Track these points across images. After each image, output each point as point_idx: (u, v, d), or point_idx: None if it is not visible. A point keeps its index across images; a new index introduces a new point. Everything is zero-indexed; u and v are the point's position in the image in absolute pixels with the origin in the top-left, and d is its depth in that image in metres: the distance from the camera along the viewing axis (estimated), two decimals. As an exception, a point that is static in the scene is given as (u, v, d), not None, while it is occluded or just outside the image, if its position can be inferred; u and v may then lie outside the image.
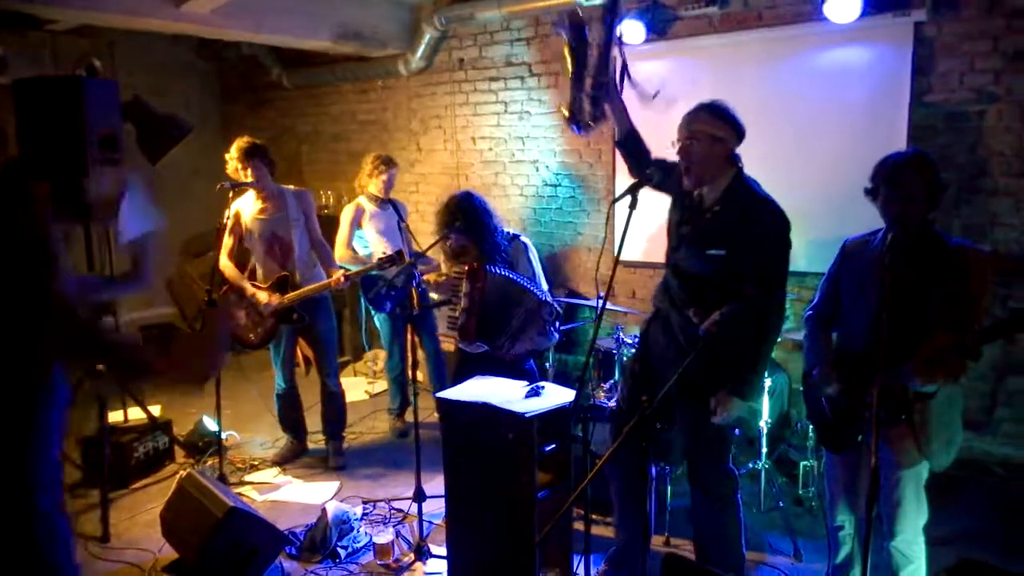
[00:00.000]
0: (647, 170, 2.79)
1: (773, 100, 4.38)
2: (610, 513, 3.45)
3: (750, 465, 3.87)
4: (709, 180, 2.68)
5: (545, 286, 3.54)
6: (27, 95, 3.46)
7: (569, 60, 2.87)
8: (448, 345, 4.53)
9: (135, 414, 4.39)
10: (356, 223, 4.69)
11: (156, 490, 3.90)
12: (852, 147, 4.07)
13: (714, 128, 2.63)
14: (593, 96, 2.81)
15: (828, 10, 3.92)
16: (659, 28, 4.68)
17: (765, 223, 2.59)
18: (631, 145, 2.96)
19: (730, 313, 2.48)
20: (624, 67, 2.87)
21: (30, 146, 3.44)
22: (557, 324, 3.45)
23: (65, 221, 3.36)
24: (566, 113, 2.90)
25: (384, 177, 4.66)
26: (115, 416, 4.10)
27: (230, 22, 4.90)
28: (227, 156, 4.04)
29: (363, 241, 4.77)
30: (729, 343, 2.52)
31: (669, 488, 3.57)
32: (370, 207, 4.73)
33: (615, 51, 2.85)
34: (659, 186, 2.82)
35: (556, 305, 3.45)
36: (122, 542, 3.59)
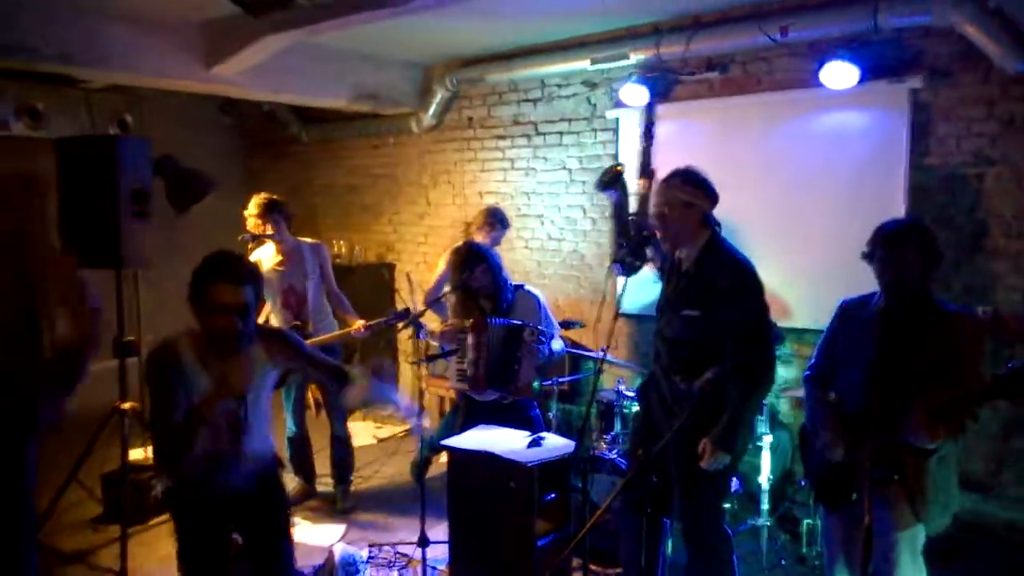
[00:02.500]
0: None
1: (772, 162, 4.54)
2: (609, 563, 3.52)
3: (751, 522, 3.90)
4: (685, 243, 2.83)
5: (556, 328, 3.70)
6: (67, 151, 3.70)
7: (613, 214, 3.11)
8: (452, 393, 4.65)
9: (155, 453, 4.51)
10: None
11: (172, 527, 4.00)
12: (850, 208, 4.20)
13: (686, 194, 2.78)
14: (637, 243, 3.02)
15: (825, 77, 4.05)
16: (661, 91, 4.89)
17: (733, 281, 2.71)
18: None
19: (722, 372, 2.60)
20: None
21: (68, 198, 3.68)
22: (544, 339, 3.56)
23: (99, 269, 3.56)
24: (612, 258, 3.11)
25: (495, 234, 4.67)
26: (136, 454, 4.23)
27: (255, 83, 5.17)
28: (246, 212, 4.23)
29: None
30: (721, 402, 2.63)
31: (670, 542, 3.62)
32: None
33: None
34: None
35: (545, 327, 3.59)
36: (140, 575, 3.70)
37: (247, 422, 2.48)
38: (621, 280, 3.57)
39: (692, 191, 2.79)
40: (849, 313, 2.69)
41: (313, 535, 4.13)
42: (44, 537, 3.97)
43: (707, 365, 2.64)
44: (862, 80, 4.03)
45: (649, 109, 3.45)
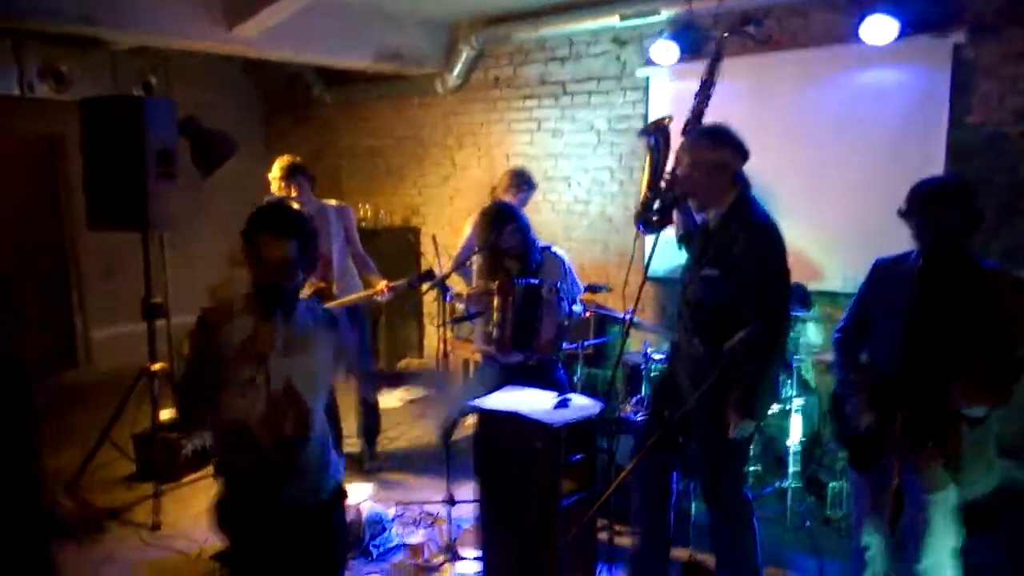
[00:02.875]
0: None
1: (807, 120, 4.43)
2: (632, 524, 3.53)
3: (777, 484, 3.90)
4: (714, 204, 2.74)
5: (579, 289, 3.68)
6: (92, 112, 3.70)
7: (648, 165, 3.00)
8: (478, 356, 4.65)
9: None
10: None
11: (204, 484, 4.08)
12: (887, 168, 4.08)
13: (715, 154, 2.68)
14: (663, 200, 2.91)
15: (864, 32, 3.93)
16: (692, 48, 4.76)
17: (752, 241, 2.63)
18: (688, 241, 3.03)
19: (752, 334, 2.55)
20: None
21: (94, 159, 3.69)
22: (563, 294, 3.53)
23: (127, 231, 3.59)
24: (636, 212, 2.99)
25: (522, 196, 4.55)
26: (166, 414, 4.31)
27: (276, 44, 5.12)
28: (270, 175, 4.21)
29: None
30: (744, 365, 2.59)
31: (694, 503, 3.62)
32: None
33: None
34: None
35: (569, 287, 3.57)
36: (172, 531, 3.80)
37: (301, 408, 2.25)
38: (649, 243, 3.52)
39: (722, 151, 2.70)
40: (883, 272, 2.61)
41: (341, 494, 4.18)
42: (80, 494, 4.09)
43: (727, 328, 2.59)
44: (902, 35, 3.90)
45: (713, 63, 3.27)
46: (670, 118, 3.14)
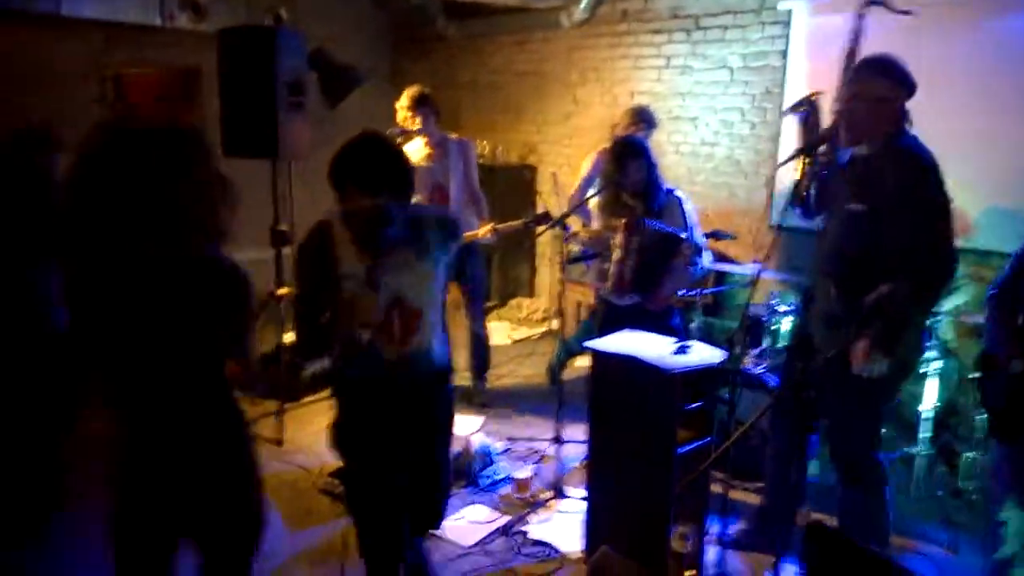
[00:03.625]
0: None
1: (970, 60, 4.00)
2: (749, 479, 3.43)
3: (906, 449, 3.69)
4: (868, 139, 2.51)
5: (701, 240, 3.51)
6: (229, 42, 3.81)
7: (801, 146, 2.79)
8: (590, 298, 4.58)
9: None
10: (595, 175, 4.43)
11: (323, 406, 4.27)
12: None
13: (881, 87, 2.45)
14: (814, 177, 2.69)
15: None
16: (842, -22, 4.37)
17: (907, 174, 2.37)
18: None
19: (896, 293, 2.35)
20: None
21: (229, 88, 3.81)
22: (698, 259, 3.40)
23: (259, 159, 3.71)
24: (790, 198, 2.78)
25: (641, 135, 4.30)
26: (290, 337, 4.51)
27: (402, -27, 5.07)
28: (398, 104, 4.22)
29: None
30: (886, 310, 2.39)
31: (816, 461, 3.47)
32: None
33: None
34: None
35: (696, 241, 3.42)
36: (294, 448, 4.02)
37: (416, 322, 2.31)
38: (779, 190, 3.30)
39: (889, 84, 2.46)
40: None
41: (452, 424, 4.29)
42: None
43: (869, 277, 2.39)
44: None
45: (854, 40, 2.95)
46: (820, 92, 2.88)
